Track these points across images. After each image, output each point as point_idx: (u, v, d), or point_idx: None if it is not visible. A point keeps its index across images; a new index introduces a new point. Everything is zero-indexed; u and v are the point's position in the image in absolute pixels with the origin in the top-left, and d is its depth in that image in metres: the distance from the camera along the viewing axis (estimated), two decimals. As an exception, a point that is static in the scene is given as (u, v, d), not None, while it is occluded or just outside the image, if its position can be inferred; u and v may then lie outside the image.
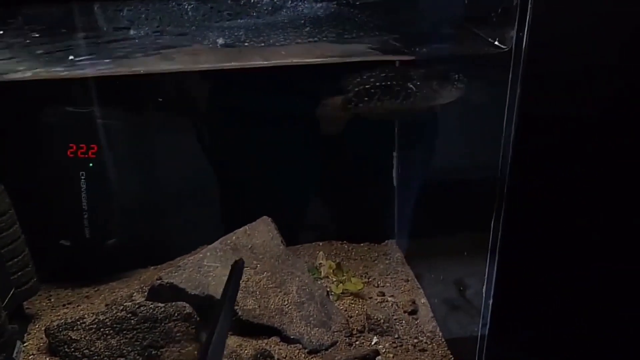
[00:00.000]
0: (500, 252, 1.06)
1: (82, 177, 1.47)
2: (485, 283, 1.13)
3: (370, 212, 1.74)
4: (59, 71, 0.82)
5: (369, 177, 1.69)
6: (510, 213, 1.02)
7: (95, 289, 1.57)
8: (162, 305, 1.27)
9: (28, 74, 0.83)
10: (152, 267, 1.66)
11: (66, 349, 1.23)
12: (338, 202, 1.69)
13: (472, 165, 1.24)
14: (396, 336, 1.33)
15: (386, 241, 1.75)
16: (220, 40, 0.81)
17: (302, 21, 0.81)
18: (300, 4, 0.80)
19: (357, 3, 0.84)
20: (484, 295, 1.13)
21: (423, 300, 1.46)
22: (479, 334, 1.15)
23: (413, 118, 1.21)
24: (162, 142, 1.56)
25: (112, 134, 1.46)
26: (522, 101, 0.92)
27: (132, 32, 0.79)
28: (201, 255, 1.39)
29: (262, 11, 0.79)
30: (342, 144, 1.64)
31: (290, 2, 0.79)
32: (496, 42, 0.92)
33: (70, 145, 1.44)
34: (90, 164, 1.46)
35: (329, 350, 1.30)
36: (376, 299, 1.47)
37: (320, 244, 1.73)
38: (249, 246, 1.43)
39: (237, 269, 0.97)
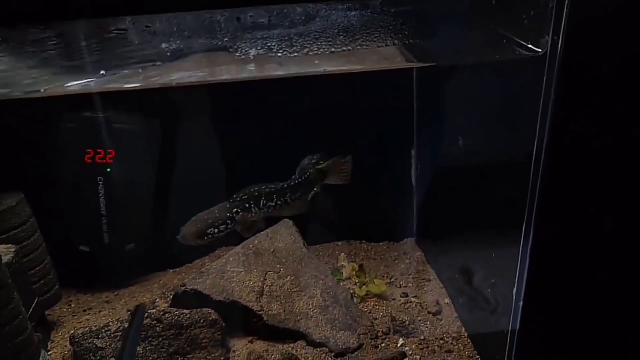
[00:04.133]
0: (532, 252, 1.05)
1: (100, 183, 1.46)
2: (515, 285, 1.12)
3: (388, 210, 1.73)
4: (91, 84, 0.81)
5: (386, 175, 1.68)
6: (543, 211, 1.00)
7: (115, 293, 1.57)
8: (187, 311, 1.26)
9: (59, 89, 0.82)
10: (170, 270, 1.66)
11: (92, 357, 1.23)
12: (356, 201, 1.67)
13: (493, 163, 1.23)
14: (422, 337, 1.33)
15: (405, 239, 1.75)
16: (253, 51, 0.79)
17: (336, 30, 0.80)
18: (333, 12, 0.78)
19: (392, 10, 0.82)
20: (513, 297, 1.12)
21: (446, 300, 1.46)
22: (509, 336, 1.14)
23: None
24: (181, 145, 1.55)
25: (130, 139, 1.45)
26: (555, 106, 0.91)
27: (163, 45, 0.78)
28: (224, 260, 1.38)
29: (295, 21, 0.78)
30: (360, 143, 1.63)
31: (323, 11, 0.78)
32: (529, 46, 0.90)
33: (88, 150, 1.43)
34: (108, 169, 1.45)
35: (355, 353, 1.30)
36: (400, 300, 1.46)
37: (339, 243, 1.72)
38: (272, 250, 1.42)
39: (138, 313, 0.96)
